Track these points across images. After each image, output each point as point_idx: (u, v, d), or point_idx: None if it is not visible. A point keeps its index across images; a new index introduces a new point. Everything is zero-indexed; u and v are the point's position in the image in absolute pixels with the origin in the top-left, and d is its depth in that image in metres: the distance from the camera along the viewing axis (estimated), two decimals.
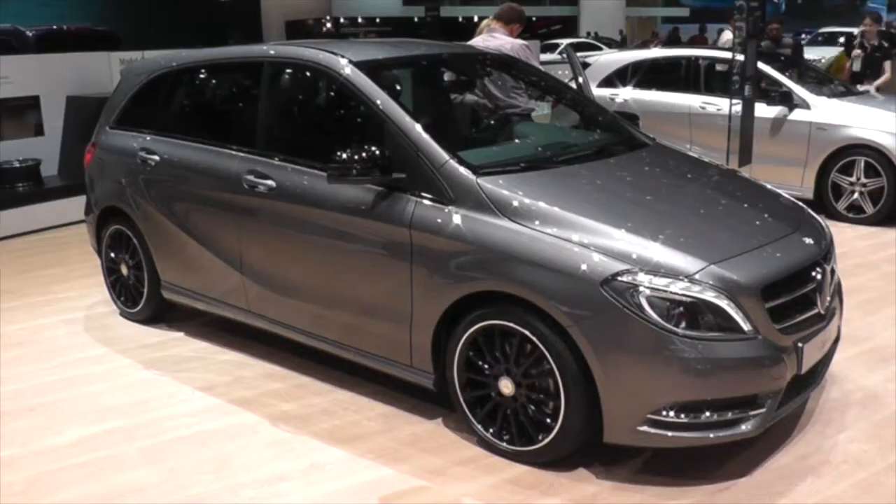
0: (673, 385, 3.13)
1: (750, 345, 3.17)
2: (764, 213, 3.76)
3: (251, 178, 4.23)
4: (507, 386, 3.45)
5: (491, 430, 3.54)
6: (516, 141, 4.48)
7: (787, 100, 7.59)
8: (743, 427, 3.22)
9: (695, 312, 3.13)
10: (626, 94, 8.87)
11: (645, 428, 3.18)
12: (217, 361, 4.59)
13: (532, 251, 3.29)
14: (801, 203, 4.08)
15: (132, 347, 4.86)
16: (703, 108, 8.23)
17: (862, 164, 7.14)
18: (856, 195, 7.22)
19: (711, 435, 3.20)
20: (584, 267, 3.20)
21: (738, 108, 7.43)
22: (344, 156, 3.62)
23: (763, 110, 7.60)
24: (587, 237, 3.27)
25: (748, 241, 3.42)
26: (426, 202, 3.59)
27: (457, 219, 3.50)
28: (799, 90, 7.61)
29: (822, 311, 3.53)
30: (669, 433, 3.18)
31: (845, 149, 7.21)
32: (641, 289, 3.12)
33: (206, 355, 4.68)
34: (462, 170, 3.57)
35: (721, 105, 7.95)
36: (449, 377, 3.63)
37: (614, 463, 3.45)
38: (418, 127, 3.71)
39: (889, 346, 4.63)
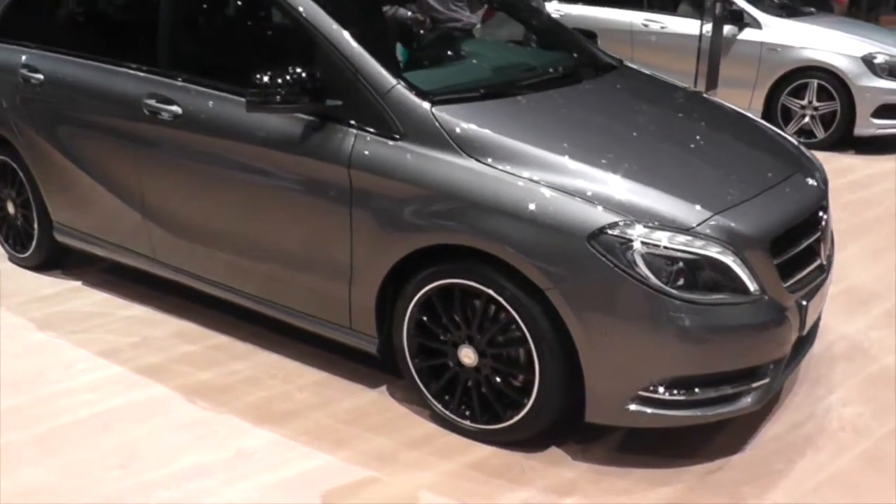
0: (670, 358, 2.59)
1: (756, 308, 2.63)
2: (760, 150, 3.21)
3: (152, 102, 3.45)
4: (468, 355, 2.86)
5: (449, 406, 2.96)
6: (469, 62, 3.77)
7: (738, 18, 7.03)
8: (744, 401, 2.72)
9: (695, 271, 2.57)
10: (562, 8, 8.16)
11: (635, 406, 2.64)
12: (120, 318, 3.85)
13: (503, 198, 2.66)
14: (787, 134, 3.55)
15: (23, 301, 4.07)
16: (646, 25, 7.61)
17: (814, 87, 6.68)
18: (807, 119, 6.77)
19: (711, 413, 2.69)
20: (567, 217, 2.58)
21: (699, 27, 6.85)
22: (265, 79, 2.88)
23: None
24: (570, 181, 2.65)
25: (751, 184, 2.86)
26: (369, 136, 2.90)
27: (408, 157, 2.83)
28: (750, 8, 7.05)
29: (824, 262, 3.03)
30: (663, 412, 2.65)
31: (797, 71, 6.73)
32: (636, 244, 2.54)
33: (108, 310, 3.94)
34: (413, 97, 2.88)
35: (665, 23, 7.37)
36: (397, 343, 3.02)
37: (590, 440, 2.92)
38: (356, 44, 2.98)
39: (866, 286, 4.22)
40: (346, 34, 3.00)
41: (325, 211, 3.01)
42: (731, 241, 2.60)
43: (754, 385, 2.72)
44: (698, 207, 2.64)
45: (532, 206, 2.62)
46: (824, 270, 3.03)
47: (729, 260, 2.58)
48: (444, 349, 2.93)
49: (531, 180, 2.66)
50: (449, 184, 2.74)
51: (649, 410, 2.64)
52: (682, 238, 2.56)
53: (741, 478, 2.78)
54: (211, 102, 3.29)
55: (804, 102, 6.74)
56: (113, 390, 3.26)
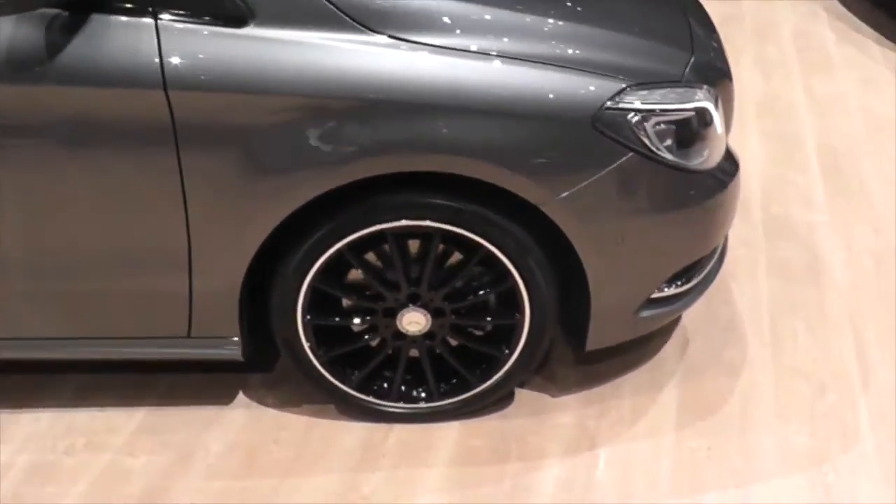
0: (688, 245, 2.00)
1: (731, 159, 2.13)
2: None
3: None
4: (415, 321, 1.94)
5: (387, 395, 2.04)
6: None
7: None
8: (713, 273, 2.24)
9: (687, 129, 1.94)
10: None
11: (647, 313, 2.03)
12: None
13: (458, 88, 1.70)
14: None
15: None
16: None
17: None
18: None
19: (697, 298, 2.16)
20: (560, 98, 1.75)
21: None
22: None
23: None
24: (536, 46, 1.78)
25: (682, 15, 2.22)
26: (188, 27, 1.64)
27: (275, 51, 1.65)
28: None
29: None
30: (665, 309, 2.07)
31: None
32: (640, 114, 1.82)
33: None
34: None
35: None
36: (285, 337, 1.94)
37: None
38: None
39: None
40: None
41: (124, 169, 1.70)
42: (712, 81, 2.01)
43: (718, 251, 2.27)
44: (675, 50, 1.98)
45: (505, 93, 1.72)
46: None
47: (710, 105, 1.99)
48: (370, 324, 1.96)
49: (488, 54, 1.74)
50: (365, 82, 1.67)
51: (656, 311, 2.05)
52: (676, 92, 1.90)
53: (715, 344, 2.38)
54: None
55: None
56: None
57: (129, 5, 1.62)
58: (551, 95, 1.75)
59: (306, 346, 1.95)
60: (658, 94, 1.85)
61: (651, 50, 1.93)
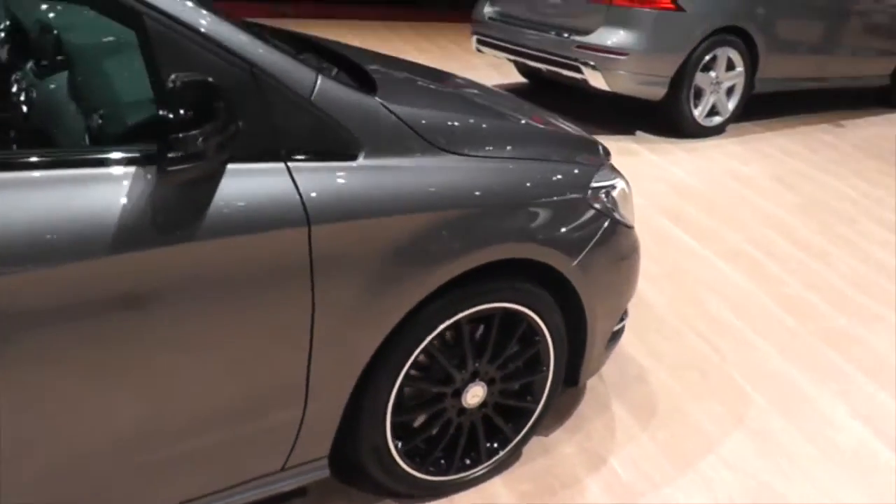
0: (632, 288, 2.55)
1: None
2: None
3: None
4: (477, 394, 2.18)
5: (450, 470, 2.22)
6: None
7: None
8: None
9: (615, 196, 2.50)
10: None
11: (609, 346, 2.53)
12: None
13: (512, 187, 2.05)
14: None
15: None
16: None
17: None
18: None
19: (619, 342, 2.72)
20: (566, 185, 2.20)
21: None
22: (171, 115, 1.41)
23: None
24: (532, 148, 2.21)
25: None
26: (313, 164, 1.73)
27: (387, 178, 1.82)
28: None
29: None
30: (616, 341, 2.59)
31: None
32: (604, 190, 2.34)
33: None
34: (350, 91, 1.83)
35: None
36: (374, 440, 2.05)
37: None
38: (240, 32, 1.67)
39: None
40: (215, 19, 1.63)
41: (257, 312, 1.70)
42: (608, 157, 2.60)
43: None
44: (590, 139, 2.54)
45: (545, 186, 2.12)
46: None
47: (621, 176, 2.58)
48: (442, 407, 2.14)
49: (517, 158, 2.11)
50: (451, 192, 1.92)
51: (612, 344, 2.56)
52: (607, 170, 2.45)
53: (618, 366, 2.93)
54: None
55: None
56: None
57: (261, 153, 1.68)
58: (563, 183, 2.19)
59: (392, 445, 2.07)
60: (604, 173, 2.40)
61: (586, 142, 2.49)
